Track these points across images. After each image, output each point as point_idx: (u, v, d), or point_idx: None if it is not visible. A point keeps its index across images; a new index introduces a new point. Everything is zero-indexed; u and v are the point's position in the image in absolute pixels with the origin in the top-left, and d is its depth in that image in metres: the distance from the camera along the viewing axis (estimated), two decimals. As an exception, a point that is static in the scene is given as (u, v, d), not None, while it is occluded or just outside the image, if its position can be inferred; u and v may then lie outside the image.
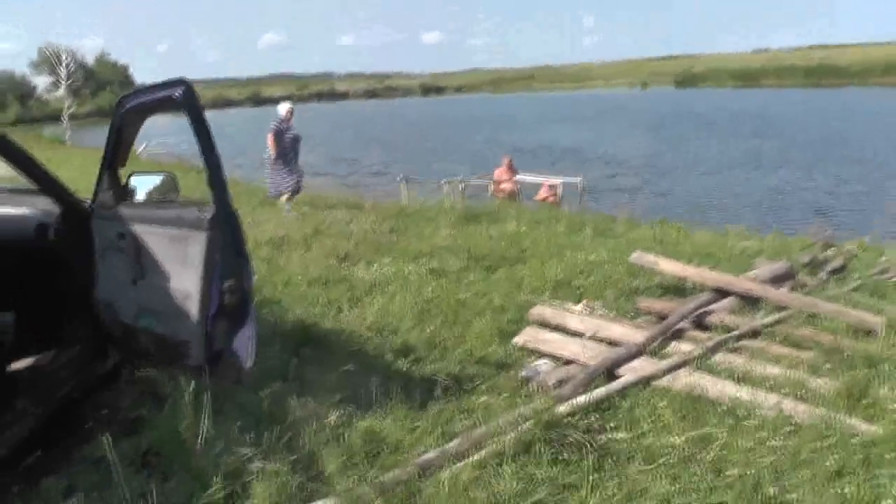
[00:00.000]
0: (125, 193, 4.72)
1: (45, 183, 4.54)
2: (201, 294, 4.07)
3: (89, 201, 4.77)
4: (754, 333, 5.93)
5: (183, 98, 4.07)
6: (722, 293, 6.80)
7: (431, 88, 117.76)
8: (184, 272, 4.13)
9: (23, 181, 4.58)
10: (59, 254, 4.68)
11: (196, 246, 4.08)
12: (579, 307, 6.80)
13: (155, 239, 4.31)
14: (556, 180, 18.12)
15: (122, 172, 4.79)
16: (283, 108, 13.12)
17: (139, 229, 4.38)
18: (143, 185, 4.81)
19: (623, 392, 4.97)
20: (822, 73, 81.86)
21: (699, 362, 5.32)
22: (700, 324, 6.29)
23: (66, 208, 4.67)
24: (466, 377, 5.37)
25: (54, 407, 4.31)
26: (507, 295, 7.24)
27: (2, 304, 4.31)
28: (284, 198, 12.78)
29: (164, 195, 4.84)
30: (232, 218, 4.10)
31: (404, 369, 5.55)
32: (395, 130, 47.89)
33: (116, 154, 4.76)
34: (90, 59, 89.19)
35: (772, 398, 4.63)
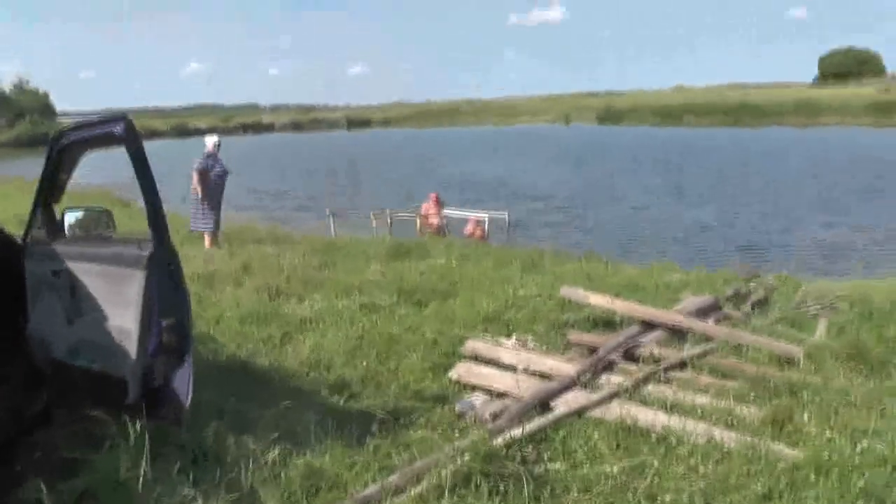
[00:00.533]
0: (60, 229, 4.68)
1: None
2: (140, 332, 4.03)
3: (21, 237, 4.71)
4: (682, 364, 6.10)
5: (123, 134, 4.06)
6: (650, 325, 6.97)
7: (357, 121, 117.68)
8: (122, 310, 4.10)
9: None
10: None
11: (135, 283, 4.05)
12: (511, 341, 6.90)
13: (92, 276, 4.27)
14: (483, 215, 18.31)
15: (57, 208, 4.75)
16: (210, 141, 12.76)
17: (75, 266, 4.34)
18: (78, 221, 4.77)
19: (557, 424, 5.07)
20: (740, 111, 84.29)
21: (630, 393, 5.47)
22: (630, 356, 6.44)
23: None
24: (402, 412, 5.41)
25: None
26: (439, 329, 7.29)
27: None
28: (207, 239, 12.53)
29: (100, 231, 4.81)
30: (172, 256, 4.09)
31: (340, 405, 5.56)
32: (321, 163, 47.70)
33: (52, 189, 4.71)
34: (7, 86, 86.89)
35: (701, 426, 4.79)
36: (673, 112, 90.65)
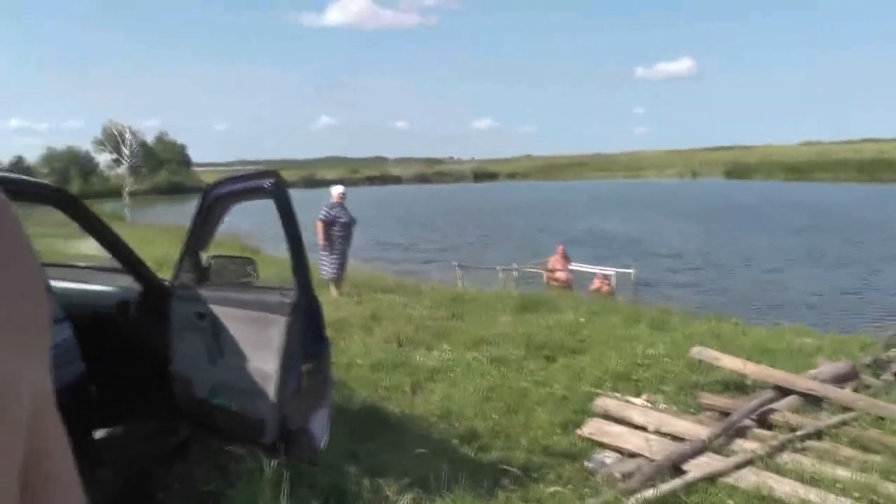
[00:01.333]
0: (205, 275, 4.93)
1: (130, 262, 4.78)
2: (280, 375, 4.21)
3: (169, 281, 4.98)
4: (819, 434, 5.91)
5: (273, 188, 4.29)
6: (784, 391, 6.79)
7: (483, 174, 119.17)
8: (263, 353, 4.28)
9: (108, 260, 4.83)
10: (139, 330, 4.88)
11: (277, 328, 4.23)
12: (641, 400, 6.85)
13: (235, 320, 4.48)
14: (610, 271, 18.21)
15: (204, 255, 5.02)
16: (335, 191, 12.92)
17: (219, 310, 4.56)
18: (222, 268, 5.02)
19: (690, 488, 4.99)
20: (876, 167, 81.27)
21: (765, 461, 5.32)
22: (763, 421, 6.28)
23: (147, 287, 4.88)
24: (532, 466, 5.42)
25: (130, 477, 4.44)
26: (567, 385, 7.31)
27: (86, 376, 4.48)
28: (333, 287, 12.77)
29: (243, 279, 5.04)
30: (313, 304, 4.27)
31: (471, 455, 5.62)
32: (447, 216, 48.36)
33: (200, 238, 4.98)
34: (150, 138, 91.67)
35: (843, 502, 4.61)
36: (804, 167, 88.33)
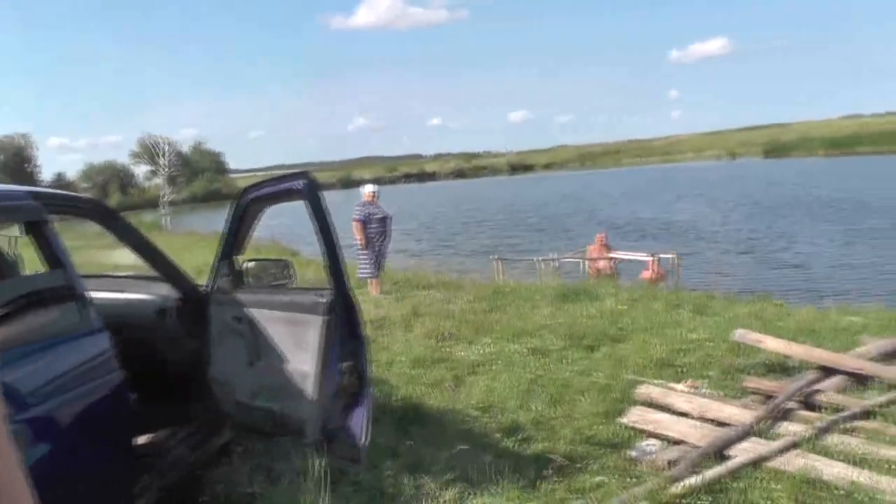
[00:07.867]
0: (242, 279, 4.97)
1: (167, 270, 4.84)
2: (319, 375, 4.24)
3: (206, 286, 5.03)
4: (867, 414, 5.80)
5: (305, 189, 4.32)
6: (829, 371, 6.68)
7: (519, 166, 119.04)
8: (302, 354, 4.32)
9: (145, 269, 4.90)
10: (178, 336, 4.94)
11: (314, 329, 4.26)
12: (684, 386, 6.78)
13: (273, 322, 4.52)
14: (649, 257, 18.03)
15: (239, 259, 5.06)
16: (366, 190, 13.15)
17: (256, 313, 4.61)
18: (259, 272, 5.06)
19: (735, 474, 4.92)
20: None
21: (812, 443, 5.23)
22: (808, 403, 6.17)
23: (184, 294, 4.94)
24: (576, 456, 5.39)
25: (174, 481, 4.50)
26: (610, 374, 7.25)
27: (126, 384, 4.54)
28: (372, 285, 12.88)
29: (280, 281, 5.09)
30: (349, 302, 4.29)
31: (513, 448, 5.61)
32: (484, 210, 48.31)
33: (235, 242, 5.02)
34: (186, 148, 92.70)
35: (894, 483, 4.52)
36: (845, 142, 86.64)
